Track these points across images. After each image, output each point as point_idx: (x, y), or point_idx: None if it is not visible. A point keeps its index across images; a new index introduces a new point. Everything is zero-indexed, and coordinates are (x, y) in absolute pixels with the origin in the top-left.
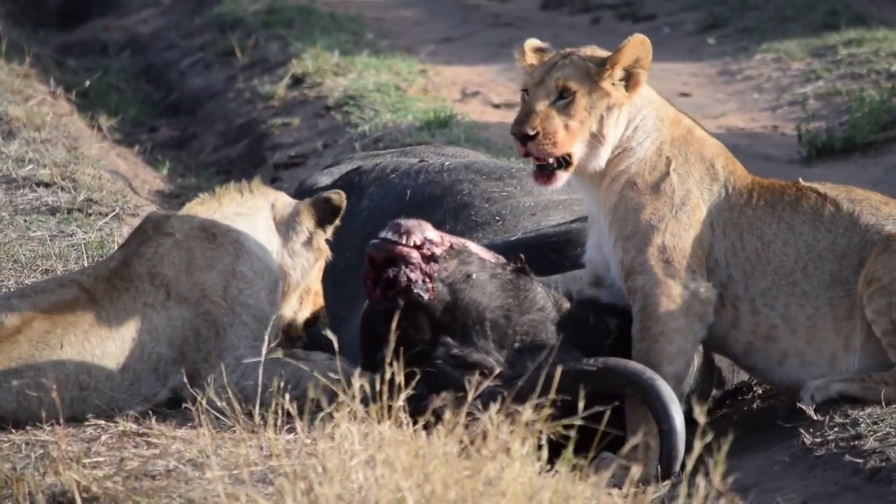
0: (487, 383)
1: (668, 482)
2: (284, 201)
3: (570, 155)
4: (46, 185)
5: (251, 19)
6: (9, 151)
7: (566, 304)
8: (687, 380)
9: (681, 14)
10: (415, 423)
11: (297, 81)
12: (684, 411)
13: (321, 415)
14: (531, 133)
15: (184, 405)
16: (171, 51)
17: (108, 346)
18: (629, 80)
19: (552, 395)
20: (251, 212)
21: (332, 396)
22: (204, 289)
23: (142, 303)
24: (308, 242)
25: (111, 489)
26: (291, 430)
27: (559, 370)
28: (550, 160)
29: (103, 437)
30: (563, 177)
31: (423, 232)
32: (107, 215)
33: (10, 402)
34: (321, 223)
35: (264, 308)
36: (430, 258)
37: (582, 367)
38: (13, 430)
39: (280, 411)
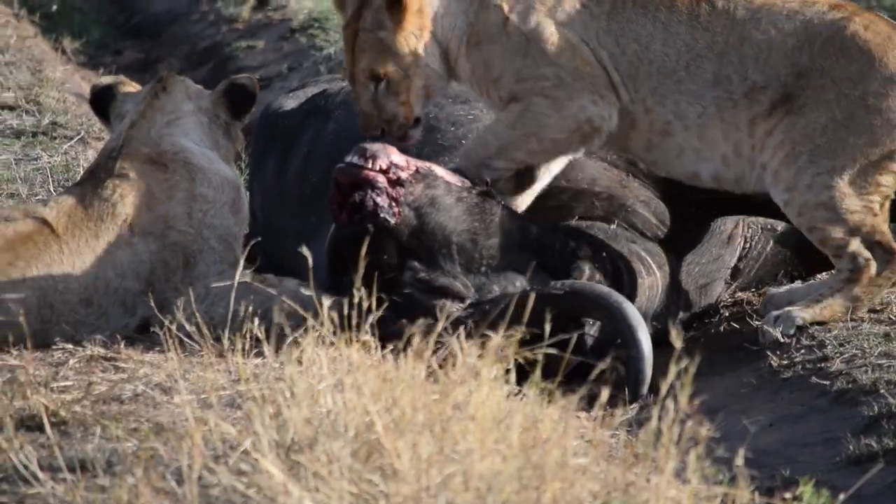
0: (454, 307)
1: (636, 405)
2: (195, 89)
3: (416, 119)
4: (10, 109)
5: None
6: None
7: (533, 228)
8: (652, 302)
9: None
10: (383, 347)
11: (262, 3)
12: (654, 334)
13: (289, 340)
14: (379, 132)
15: (151, 330)
16: None
17: (70, 281)
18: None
19: (520, 319)
20: (177, 114)
21: (301, 322)
22: (167, 220)
23: (105, 241)
24: (227, 133)
25: (79, 413)
26: (259, 354)
27: (527, 294)
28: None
29: (71, 362)
30: (416, 133)
31: (389, 156)
32: (72, 139)
33: None
34: (237, 113)
35: (230, 225)
36: (396, 182)
37: (548, 290)
38: None
39: (248, 336)
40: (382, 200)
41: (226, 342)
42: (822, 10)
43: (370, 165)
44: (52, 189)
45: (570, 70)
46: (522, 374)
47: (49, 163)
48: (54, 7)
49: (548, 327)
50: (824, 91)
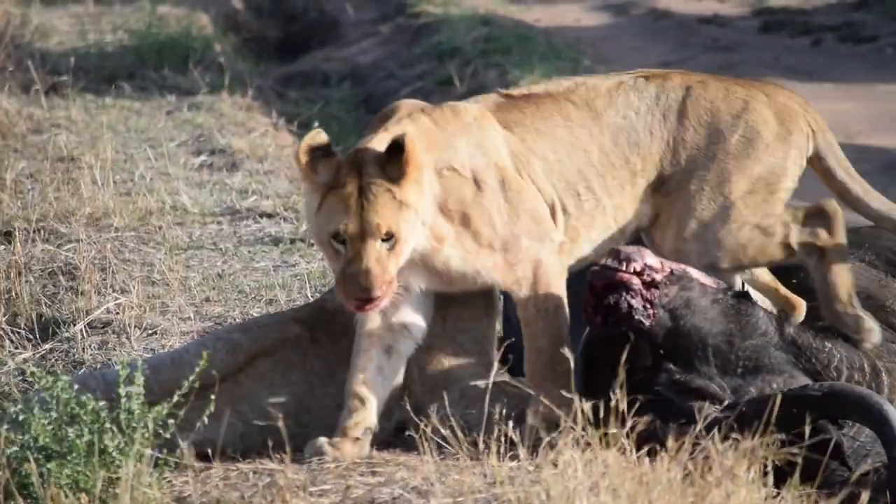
0: (710, 408)
1: None
2: None
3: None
4: (269, 216)
5: (469, 47)
6: (233, 183)
7: (789, 329)
8: None
9: None
10: (638, 449)
11: None
12: None
13: (544, 442)
14: (378, 294)
15: (407, 433)
16: (390, 80)
17: (328, 386)
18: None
19: (776, 421)
20: None
21: (556, 424)
22: None
23: None
24: None
25: None
26: (514, 457)
27: (783, 396)
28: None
29: (328, 466)
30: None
31: (644, 258)
32: None
33: (234, 440)
34: None
35: (484, 328)
36: (651, 284)
37: (806, 392)
38: (240, 459)
39: (503, 439)
40: (637, 303)
41: (481, 445)
42: (662, 83)
43: (625, 268)
44: (309, 295)
45: (528, 217)
46: (780, 476)
47: (306, 269)
48: (312, 113)
49: (806, 429)
50: (702, 161)
